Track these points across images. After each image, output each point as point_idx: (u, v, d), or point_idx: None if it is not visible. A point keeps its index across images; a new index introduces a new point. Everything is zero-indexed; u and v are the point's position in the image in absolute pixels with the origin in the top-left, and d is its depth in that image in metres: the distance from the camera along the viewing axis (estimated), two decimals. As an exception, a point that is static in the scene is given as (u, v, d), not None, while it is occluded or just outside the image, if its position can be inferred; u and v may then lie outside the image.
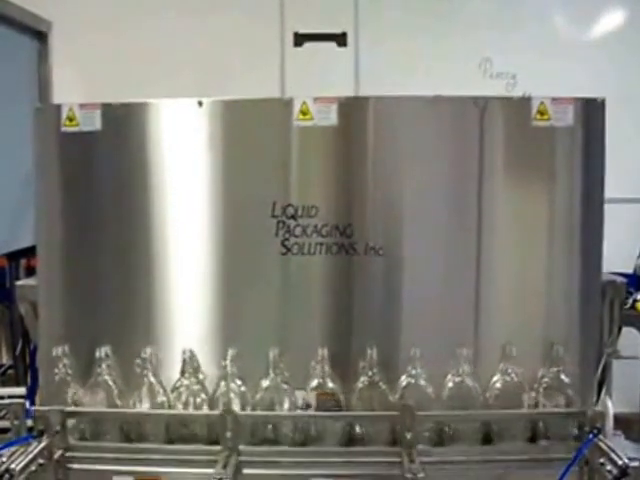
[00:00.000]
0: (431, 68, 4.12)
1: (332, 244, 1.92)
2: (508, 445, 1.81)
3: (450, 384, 1.83)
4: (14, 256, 3.66)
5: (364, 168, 1.95)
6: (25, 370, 3.62)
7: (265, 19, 4.27)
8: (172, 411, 1.85)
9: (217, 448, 1.72)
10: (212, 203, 1.95)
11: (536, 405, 1.85)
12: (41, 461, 1.69)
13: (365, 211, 1.95)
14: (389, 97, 1.96)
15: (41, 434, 1.74)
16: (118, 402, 1.84)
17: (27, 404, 1.80)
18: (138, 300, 1.97)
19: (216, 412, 1.77)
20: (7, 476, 1.54)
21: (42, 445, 1.71)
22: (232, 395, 1.82)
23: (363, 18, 4.30)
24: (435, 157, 1.95)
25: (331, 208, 1.92)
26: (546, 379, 1.85)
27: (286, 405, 1.82)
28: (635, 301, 3.50)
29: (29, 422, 1.77)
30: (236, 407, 1.80)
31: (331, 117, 1.90)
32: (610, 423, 1.78)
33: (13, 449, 1.67)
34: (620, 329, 2.32)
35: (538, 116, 1.91)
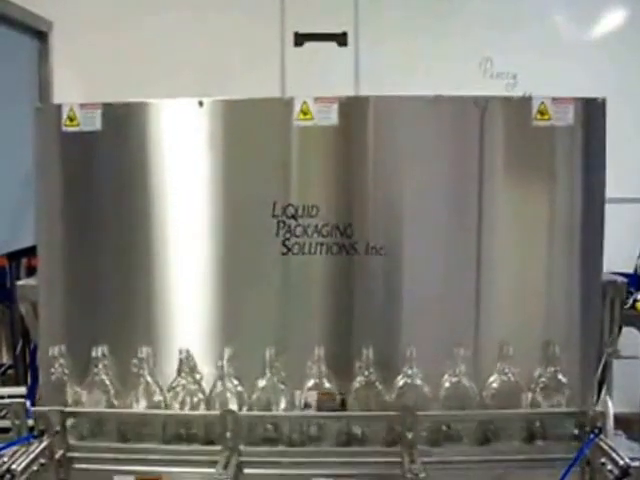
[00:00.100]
0: (431, 68, 4.12)
1: (333, 244, 1.92)
2: (508, 445, 1.81)
3: (447, 384, 1.83)
4: (15, 256, 3.66)
5: (365, 168, 1.95)
6: (25, 370, 3.62)
7: (265, 19, 4.27)
8: (173, 411, 1.84)
9: (218, 448, 1.72)
10: (212, 203, 1.95)
11: (532, 405, 1.85)
12: (42, 461, 1.69)
13: (366, 211, 1.95)
14: (390, 97, 1.96)
15: (42, 434, 1.74)
16: (115, 402, 1.84)
17: (28, 404, 1.80)
18: (139, 300, 1.97)
19: (217, 412, 1.76)
20: (8, 476, 1.54)
21: (43, 445, 1.71)
22: (229, 395, 1.82)
23: (363, 18, 4.30)
24: (435, 157, 1.95)
25: (332, 208, 1.92)
26: (543, 379, 1.85)
27: (282, 405, 1.82)
28: (635, 301, 3.51)
29: (30, 422, 1.77)
30: (233, 407, 1.79)
31: (331, 117, 1.90)
32: (611, 423, 1.78)
33: (14, 449, 1.67)
34: (620, 329, 2.32)
35: (538, 116, 1.91)
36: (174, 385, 1.85)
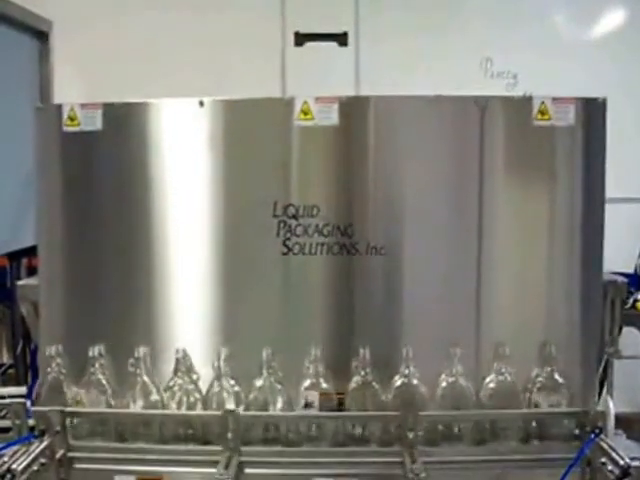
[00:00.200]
0: (432, 68, 4.12)
1: (333, 244, 1.92)
2: (507, 445, 1.80)
3: (443, 384, 1.82)
4: (15, 256, 3.66)
5: (365, 168, 1.95)
6: (25, 370, 3.62)
7: (266, 19, 4.27)
8: (173, 412, 1.84)
9: (219, 448, 1.72)
10: (213, 203, 1.95)
11: (529, 405, 1.85)
12: (43, 461, 1.69)
13: (366, 211, 1.95)
14: (390, 97, 1.96)
15: (42, 434, 1.74)
16: (111, 401, 1.84)
17: (28, 404, 1.80)
18: (139, 300, 1.97)
19: (218, 412, 1.76)
20: (9, 476, 1.54)
21: (44, 445, 1.71)
22: (225, 395, 1.82)
23: (364, 18, 4.31)
24: (436, 157, 1.95)
25: (332, 208, 1.92)
26: (540, 378, 1.85)
27: (279, 405, 1.82)
28: (636, 301, 3.50)
29: (30, 422, 1.77)
30: (230, 407, 1.79)
31: (332, 117, 1.90)
32: (611, 423, 1.78)
33: (15, 449, 1.67)
34: (621, 329, 2.32)
35: (539, 116, 1.91)
36: (171, 385, 1.85)
